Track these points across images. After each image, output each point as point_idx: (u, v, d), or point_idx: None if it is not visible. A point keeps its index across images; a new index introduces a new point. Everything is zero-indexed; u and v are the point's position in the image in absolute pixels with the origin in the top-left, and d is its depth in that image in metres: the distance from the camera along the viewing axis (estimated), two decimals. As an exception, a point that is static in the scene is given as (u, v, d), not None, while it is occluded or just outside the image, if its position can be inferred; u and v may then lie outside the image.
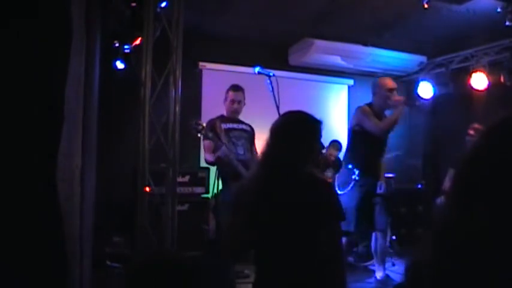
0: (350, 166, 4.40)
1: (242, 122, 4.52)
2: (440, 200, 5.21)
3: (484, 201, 0.81)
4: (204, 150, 4.38)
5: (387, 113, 4.58)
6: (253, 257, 2.19)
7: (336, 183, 4.58)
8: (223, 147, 4.08)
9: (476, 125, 4.98)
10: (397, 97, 4.48)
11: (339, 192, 4.42)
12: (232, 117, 4.45)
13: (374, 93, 4.56)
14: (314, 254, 2.09)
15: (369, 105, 4.51)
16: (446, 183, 5.19)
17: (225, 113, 4.48)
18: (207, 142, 4.27)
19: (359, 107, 4.53)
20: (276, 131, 2.21)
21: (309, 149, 2.17)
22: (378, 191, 4.45)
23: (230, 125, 4.37)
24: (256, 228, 2.12)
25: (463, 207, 0.83)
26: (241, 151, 4.29)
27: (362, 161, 4.41)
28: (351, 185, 4.34)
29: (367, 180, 4.38)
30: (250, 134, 4.49)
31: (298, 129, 2.18)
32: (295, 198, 2.05)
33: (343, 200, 4.40)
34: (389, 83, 4.55)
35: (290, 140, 2.14)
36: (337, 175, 4.75)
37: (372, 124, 4.38)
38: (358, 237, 4.94)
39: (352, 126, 4.56)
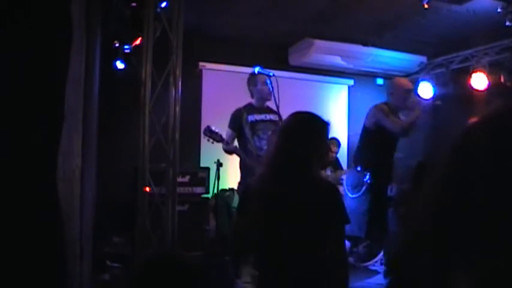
0: (359, 168, 4.32)
1: (271, 111, 4.25)
2: None
3: (484, 185, 0.80)
4: (226, 137, 4.17)
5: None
6: (257, 258, 2.18)
7: (346, 186, 4.45)
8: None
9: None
10: (415, 98, 4.47)
11: (349, 195, 4.32)
12: (260, 106, 4.26)
13: (391, 93, 4.50)
14: (318, 256, 2.08)
15: (386, 104, 4.45)
16: None
17: (253, 102, 4.28)
18: (228, 131, 4.18)
19: (376, 106, 4.43)
20: (283, 132, 2.20)
21: (315, 150, 2.15)
22: (389, 193, 4.37)
23: (258, 117, 4.21)
24: (262, 230, 2.11)
25: (462, 193, 0.83)
26: (265, 145, 4.13)
27: (374, 162, 4.30)
28: (363, 189, 4.23)
29: (379, 182, 4.27)
30: (278, 124, 4.24)
31: (305, 130, 2.16)
32: (300, 201, 2.04)
33: (354, 204, 4.28)
34: (408, 84, 4.54)
35: (297, 141, 2.13)
36: (345, 176, 4.64)
37: (393, 122, 4.29)
38: (371, 241, 4.87)
39: (366, 125, 4.42)
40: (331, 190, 2.15)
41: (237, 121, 4.16)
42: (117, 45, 5.15)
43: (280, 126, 2.22)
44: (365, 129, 4.44)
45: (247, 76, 4.43)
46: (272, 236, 2.08)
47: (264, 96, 4.22)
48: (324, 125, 2.19)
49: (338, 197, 2.15)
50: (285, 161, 2.11)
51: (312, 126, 2.18)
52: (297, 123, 2.21)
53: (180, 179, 4.59)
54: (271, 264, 2.12)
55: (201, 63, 6.38)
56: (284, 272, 2.06)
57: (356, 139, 4.76)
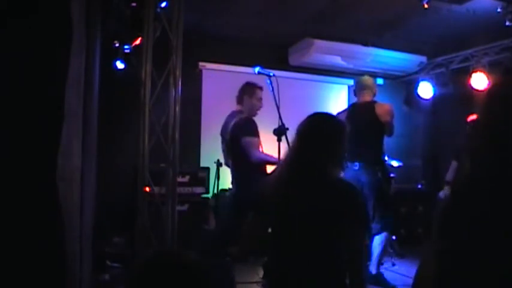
0: (356, 165, 4.34)
1: None
2: (443, 192, 5.21)
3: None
4: (254, 147, 4.14)
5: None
6: (269, 258, 2.16)
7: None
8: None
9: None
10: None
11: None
12: None
13: (374, 93, 4.63)
14: (335, 260, 2.05)
15: None
16: (449, 175, 5.21)
17: (246, 114, 4.30)
18: (257, 139, 4.16)
19: (388, 104, 4.60)
20: (301, 134, 2.16)
21: (333, 153, 2.12)
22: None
23: None
24: (276, 231, 2.09)
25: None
26: None
27: (382, 158, 4.51)
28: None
29: (386, 179, 4.51)
30: None
31: (323, 133, 2.14)
32: (316, 204, 2.01)
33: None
34: None
35: (314, 143, 2.10)
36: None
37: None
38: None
39: (383, 121, 4.42)
40: (349, 193, 2.09)
41: (257, 131, 4.18)
42: (117, 45, 5.15)
43: (297, 128, 2.18)
44: (379, 125, 4.43)
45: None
46: (286, 238, 2.07)
47: (253, 115, 4.32)
48: (342, 127, 2.17)
49: (356, 200, 2.10)
50: (302, 164, 2.08)
51: (330, 128, 2.15)
52: (314, 126, 2.17)
53: (180, 179, 4.59)
54: (284, 265, 2.10)
55: (201, 63, 6.38)
56: (296, 274, 2.04)
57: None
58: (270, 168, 4.21)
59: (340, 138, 2.16)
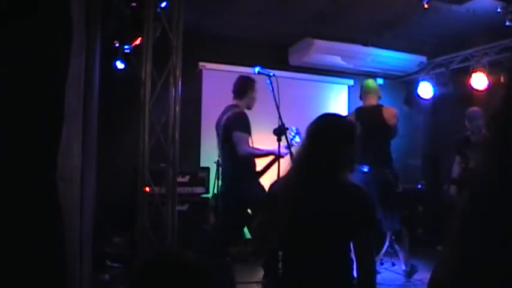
0: (366, 168, 4.44)
1: None
2: (449, 189, 5.21)
3: None
4: (243, 142, 4.05)
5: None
6: (273, 258, 2.15)
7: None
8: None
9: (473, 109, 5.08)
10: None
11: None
12: None
13: (378, 96, 4.79)
14: (342, 261, 2.05)
15: None
16: (455, 171, 5.21)
17: (244, 109, 4.23)
18: (247, 135, 4.08)
19: (394, 108, 4.81)
20: (311, 136, 2.14)
21: (344, 154, 2.10)
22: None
23: None
24: (284, 232, 2.08)
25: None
26: None
27: (392, 160, 4.71)
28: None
29: (395, 180, 4.70)
30: None
31: (334, 134, 2.12)
32: (325, 206, 2.00)
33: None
34: None
35: (325, 145, 2.08)
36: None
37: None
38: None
39: (390, 125, 4.61)
40: (359, 195, 2.08)
41: (249, 127, 4.12)
42: (117, 45, 5.15)
43: (307, 129, 2.16)
44: (386, 128, 4.61)
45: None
46: (293, 239, 2.05)
47: (252, 106, 4.30)
48: (352, 128, 2.15)
49: (366, 202, 2.08)
50: (311, 165, 2.07)
51: (340, 129, 2.14)
52: (324, 127, 2.15)
53: (180, 179, 4.59)
54: (290, 266, 2.09)
55: (201, 63, 6.38)
56: (303, 275, 2.03)
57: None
58: (261, 162, 4.19)
59: (350, 139, 2.13)
